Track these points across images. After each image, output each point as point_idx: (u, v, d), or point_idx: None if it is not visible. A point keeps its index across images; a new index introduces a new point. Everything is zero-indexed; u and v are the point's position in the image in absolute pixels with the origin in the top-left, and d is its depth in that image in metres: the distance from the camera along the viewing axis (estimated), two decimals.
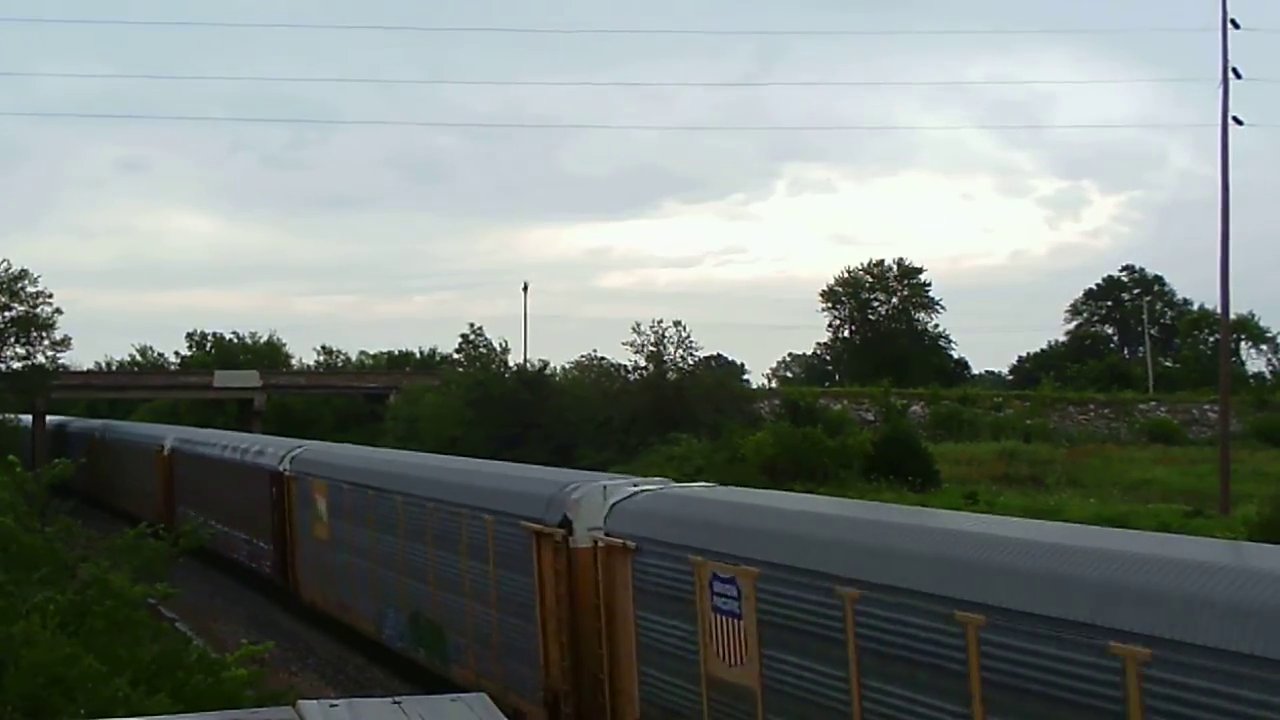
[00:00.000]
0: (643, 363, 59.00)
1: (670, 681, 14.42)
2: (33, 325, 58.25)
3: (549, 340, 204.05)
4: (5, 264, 57.95)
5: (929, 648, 10.75)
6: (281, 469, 29.14)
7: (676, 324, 58.89)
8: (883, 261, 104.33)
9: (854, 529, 12.82)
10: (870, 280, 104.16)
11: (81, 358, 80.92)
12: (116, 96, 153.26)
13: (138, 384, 78.17)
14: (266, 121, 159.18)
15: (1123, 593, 9.36)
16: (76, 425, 61.42)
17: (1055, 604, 9.72)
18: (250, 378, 71.73)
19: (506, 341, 61.71)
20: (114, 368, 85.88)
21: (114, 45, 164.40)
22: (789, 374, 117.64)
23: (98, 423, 58.74)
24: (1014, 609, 10.03)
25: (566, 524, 15.99)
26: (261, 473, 30.54)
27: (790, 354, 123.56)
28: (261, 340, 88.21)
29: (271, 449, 31.39)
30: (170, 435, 43.19)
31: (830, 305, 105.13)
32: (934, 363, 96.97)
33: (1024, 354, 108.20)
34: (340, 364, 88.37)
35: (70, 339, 59.91)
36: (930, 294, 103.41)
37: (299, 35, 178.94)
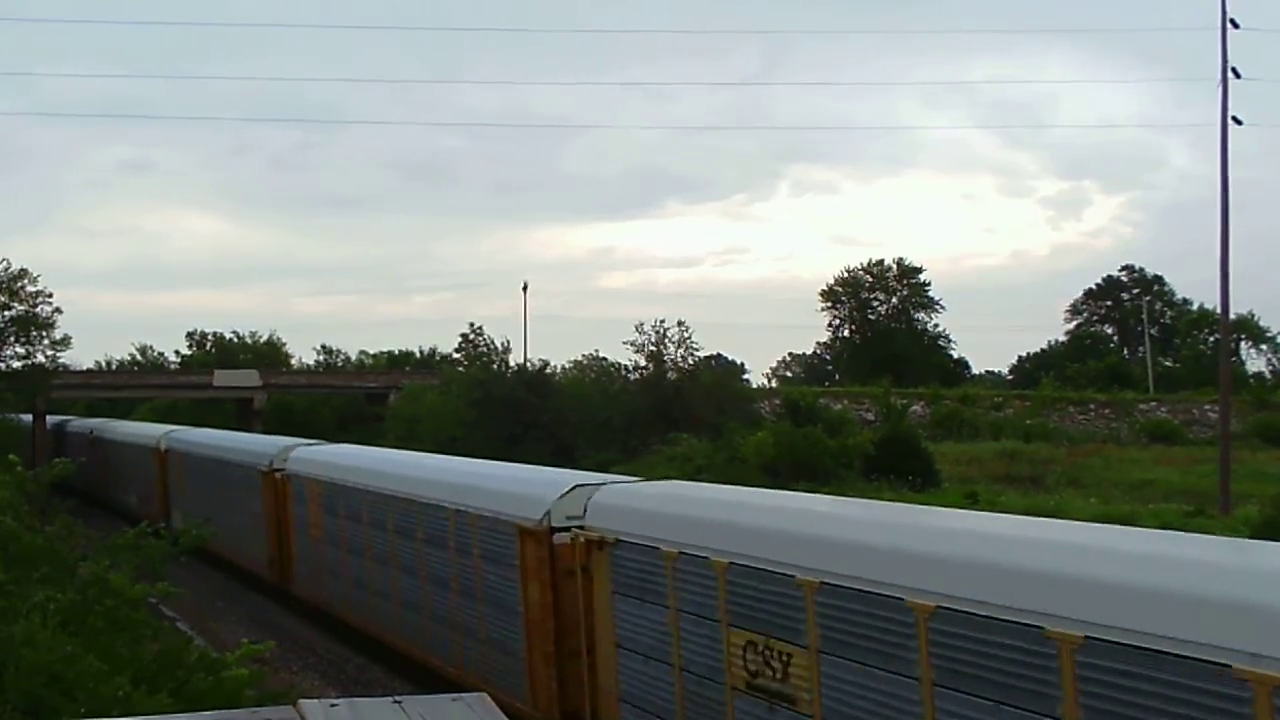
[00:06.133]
0: (643, 362, 59.00)
1: (305, 548, 27.08)
2: (32, 325, 58.10)
3: (549, 340, 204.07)
4: (5, 263, 57.92)
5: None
6: (160, 446, 40.50)
7: (680, 324, 58.93)
8: (883, 261, 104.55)
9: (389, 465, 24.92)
10: (870, 280, 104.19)
11: (82, 357, 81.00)
12: (122, 97, 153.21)
13: (138, 383, 77.79)
14: (272, 122, 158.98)
15: None
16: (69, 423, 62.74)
17: None
18: (250, 377, 71.61)
19: (509, 341, 61.75)
20: (114, 367, 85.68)
21: (119, 46, 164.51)
22: (789, 374, 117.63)
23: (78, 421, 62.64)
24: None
25: (272, 466, 29.37)
26: (147, 450, 41.93)
27: (790, 354, 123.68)
28: (262, 340, 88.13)
29: (156, 432, 43.52)
30: (94, 425, 55.74)
31: (830, 305, 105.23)
32: (934, 362, 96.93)
33: (1024, 354, 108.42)
34: (340, 364, 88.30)
35: (70, 338, 59.72)
36: (930, 294, 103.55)
37: (305, 36, 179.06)
